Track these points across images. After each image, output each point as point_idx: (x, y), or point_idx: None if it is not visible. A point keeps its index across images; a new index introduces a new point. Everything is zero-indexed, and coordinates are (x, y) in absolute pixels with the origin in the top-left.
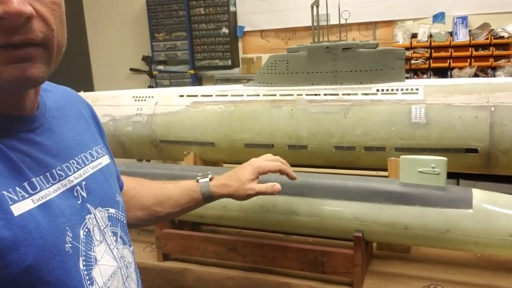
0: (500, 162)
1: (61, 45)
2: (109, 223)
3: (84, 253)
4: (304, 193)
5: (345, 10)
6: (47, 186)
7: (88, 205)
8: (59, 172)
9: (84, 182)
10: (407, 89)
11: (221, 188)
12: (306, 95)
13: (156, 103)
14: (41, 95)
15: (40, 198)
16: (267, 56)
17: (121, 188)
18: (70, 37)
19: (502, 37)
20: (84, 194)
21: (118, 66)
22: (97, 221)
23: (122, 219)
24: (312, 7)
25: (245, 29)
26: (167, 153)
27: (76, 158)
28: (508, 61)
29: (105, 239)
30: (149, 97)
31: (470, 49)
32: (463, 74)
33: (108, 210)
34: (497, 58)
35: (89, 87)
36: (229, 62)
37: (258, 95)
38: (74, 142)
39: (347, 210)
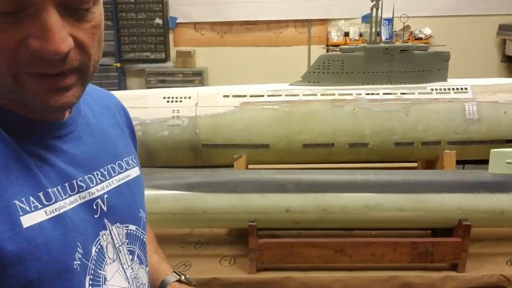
0: None
1: (97, 63)
2: (127, 240)
3: (92, 272)
4: (408, 189)
5: (404, 15)
6: (64, 197)
7: (106, 220)
8: (80, 183)
9: (106, 195)
10: (457, 88)
11: None
12: (366, 94)
13: (196, 104)
14: None
15: (54, 210)
16: (201, 49)
17: None
18: None
19: (421, 38)
20: (104, 208)
21: None
22: (112, 238)
23: (142, 237)
24: (372, 9)
25: (177, 21)
26: (207, 158)
27: (102, 169)
28: None
29: (119, 258)
30: (185, 97)
31: None
32: None
33: (127, 226)
34: None
35: None
36: (162, 55)
37: (316, 94)
38: (104, 151)
39: (451, 202)
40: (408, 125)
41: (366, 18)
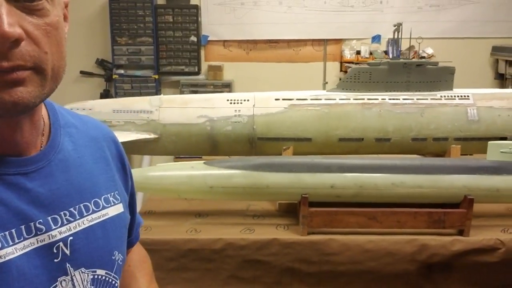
0: None
1: (57, 68)
2: (92, 287)
3: None
4: (425, 171)
5: (420, 38)
6: (16, 241)
7: (68, 265)
8: (38, 225)
9: (71, 238)
10: (461, 96)
11: None
12: (389, 99)
13: (254, 105)
14: (57, 132)
15: None
16: (229, 64)
17: (132, 242)
18: None
19: (424, 57)
20: (67, 252)
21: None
22: (73, 284)
23: (113, 282)
24: (394, 32)
25: (209, 39)
26: (260, 149)
27: (72, 209)
28: None
29: None
30: (245, 100)
31: None
32: None
33: (95, 271)
34: None
35: None
36: (195, 69)
37: (349, 99)
38: (78, 189)
39: (458, 182)
40: (422, 124)
41: (375, 39)
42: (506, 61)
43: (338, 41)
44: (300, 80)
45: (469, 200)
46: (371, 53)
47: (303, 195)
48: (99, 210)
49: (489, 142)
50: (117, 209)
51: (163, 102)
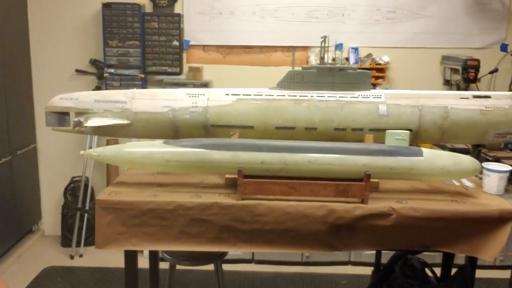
0: (422, 137)
1: None
2: None
3: None
4: (335, 152)
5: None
6: None
7: None
8: None
9: None
10: (375, 95)
11: None
12: (317, 96)
13: (208, 99)
14: None
15: None
16: (208, 66)
17: None
18: (11, 36)
19: (380, 64)
20: None
21: (62, 67)
22: None
23: None
24: (321, 42)
25: (190, 43)
26: (213, 134)
27: None
28: (384, 80)
29: None
30: (201, 94)
31: None
32: None
33: None
34: (377, 78)
35: (28, 82)
36: (177, 69)
37: (285, 95)
38: None
39: (359, 161)
40: (342, 117)
41: (338, 47)
42: (451, 69)
43: (305, 48)
44: (270, 81)
45: (367, 176)
46: (333, 59)
47: (239, 169)
48: None
49: (387, 131)
50: None
51: (135, 94)
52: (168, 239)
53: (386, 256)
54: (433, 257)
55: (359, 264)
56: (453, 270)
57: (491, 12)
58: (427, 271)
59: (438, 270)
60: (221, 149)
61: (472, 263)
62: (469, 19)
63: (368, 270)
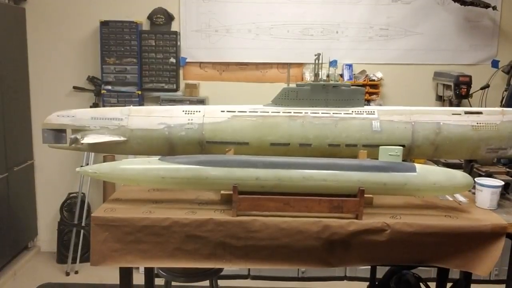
0: (415, 152)
1: None
2: None
3: None
4: (329, 168)
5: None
6: None
7: None
8: None
9: None
10: (368, 112)
11: None
12: (311, 113)
13: (204, 115)
14: None
15: None
16: (204, 82)
17: None
18: (10, 53)
19: (374, 80)
20: None
21: (60, 84)
22: None
23: None
24: (315, 60)
25: (187, 60)
26: (209, 150)
27: None
28: (378, 96)
29: None
30: (197, 111)
31: None
32: None
33: None
34: (371, 94)
35: (26, 98)
36: (174, 86)
37: (279, 112)
38: None
39: (353, 177)
40: (336, 133)
41: (332, 64)
42: (444, 84)
43: (300, 65)
44: (266, 97)
45: (361, 191)
46: (328, 76)
47: (234, 185)
48: None
49: (380, 146)
50: None
51: (131, 111)
52: (163, 255)
53: (382, 271)
54: (428, 271)
55: (354, 279)
56: (448, 285)
57: (482, 29)
58: (422, 286)
59: (433, 285)
60: (216, 166)
61: (467, 277)
62: (460, 36)
63: (363, 285)
